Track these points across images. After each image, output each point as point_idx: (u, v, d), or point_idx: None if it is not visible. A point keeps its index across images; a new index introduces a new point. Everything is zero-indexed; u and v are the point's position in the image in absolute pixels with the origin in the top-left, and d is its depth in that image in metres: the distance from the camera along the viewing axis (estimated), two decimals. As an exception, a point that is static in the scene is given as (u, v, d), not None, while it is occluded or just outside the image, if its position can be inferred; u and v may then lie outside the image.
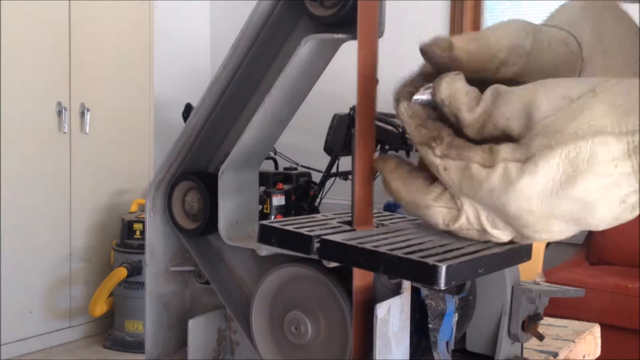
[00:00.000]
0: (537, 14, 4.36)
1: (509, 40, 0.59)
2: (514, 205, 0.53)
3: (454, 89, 0.56)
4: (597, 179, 0.49)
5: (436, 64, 0.59)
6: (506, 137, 0.54)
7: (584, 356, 1.14)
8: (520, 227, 0.55)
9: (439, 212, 0.58)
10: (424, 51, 0.59)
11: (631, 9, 0.69)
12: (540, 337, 0.89)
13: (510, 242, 0.61)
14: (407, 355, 0.70)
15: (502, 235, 0.58)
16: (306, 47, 0.74)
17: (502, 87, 0.55)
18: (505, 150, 0.53)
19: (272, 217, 3.96)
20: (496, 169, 0.53)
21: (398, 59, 4.42)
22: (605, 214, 0.51)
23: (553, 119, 0.51)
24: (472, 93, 0.56)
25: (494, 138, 0.55)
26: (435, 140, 0.56)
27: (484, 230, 0.58)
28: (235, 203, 0.86)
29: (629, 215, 0.52)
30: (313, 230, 0.67)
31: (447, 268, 0.57)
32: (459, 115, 0.56)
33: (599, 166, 0.49)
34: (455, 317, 0.77)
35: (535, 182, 0.52)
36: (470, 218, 0.57)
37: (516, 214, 0.54)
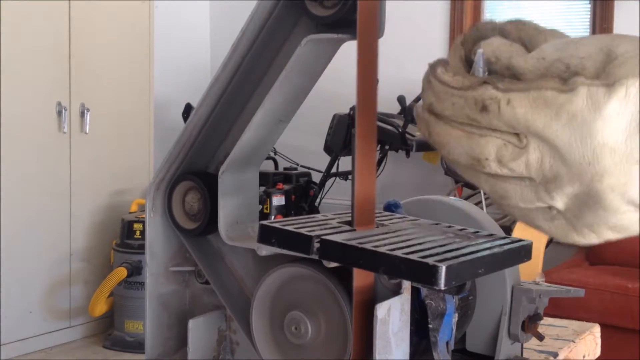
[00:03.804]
0: (537, 14, 4.37)
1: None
2: (599, 135, 0.46)
3: (495, 44, 0.53)
4: None
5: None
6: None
7: (584, 356, 1.14)
8: (594, 177, 0.48)
9: (493, 142, 0.50)
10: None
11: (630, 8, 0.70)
12: (540, 337, 0.89)
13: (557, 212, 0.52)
14: (407, 355, 0.70)
15: (559, 195, 0.50)
16: (306, 47, 0.74)
17: (571, 37, 0.51)
18: (583, 78, 0.47)
19: (272, 217, 3.96)
20: (578, 92, 0.47)
21: (398, 59, 4.43)
22: None
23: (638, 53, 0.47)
24: (516, 45, 0.53)
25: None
26: (495, 78, 0.51)
27: (543, 182, 0.50)
28: (235, 203, 0.86)
29: None
30: (313, 231, 0.67)
31: (447, 268, 0.57)
32: (513, 63, 0.51)
33: None
34: (455, 317, 0.77)
35: (626, 109, 0.46)
36: (530, 160, 0.50)
37: (596, 152, 0.47)
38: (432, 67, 0.54)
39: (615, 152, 0.47)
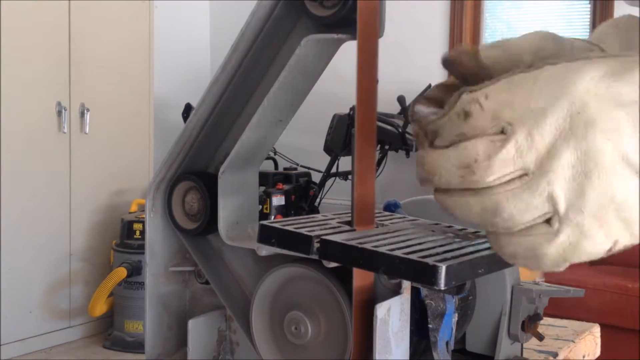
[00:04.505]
0: (537, 14, 4.36)
1: (530, 44, 0.58)
2: (579, 82, 0.47)
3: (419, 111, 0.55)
4: None
5: (463, 73, 0.56)
6: None
7: (583, 356, 1.14)
8: (586, 123, 0.47)
9: (480, 142, 0.50)
10: (452, 61, 0.55)
11: (631, 10, 0.71)
12: (540, 337, 0.89)
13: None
14: (407, 355, 0.70)
15: (556, 172, 0.48)
16: (306, 47, 0.74)
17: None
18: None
19: (272, 217, 3.96)
20: (545, 67, 0.49)
21: (398, 59, 4.43)
22: None
23: None
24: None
25: None
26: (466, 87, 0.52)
27: (537, 164, 0.49)
28: (235, 203, 0.86)
29: None
30: (313, 231, 0.67)
31: (447, 268, 0.57)
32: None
33: None
34: (455, 317, 0.77)
35: (598, 66, 0.47)
36: (519, 140, 0.48)
37: (582, 99, 0.47)
38: (415, 117, 0.55)
39: (599, 97, 0.47)
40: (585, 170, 0.48)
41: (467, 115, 0.50)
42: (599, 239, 0.49)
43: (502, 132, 0.49)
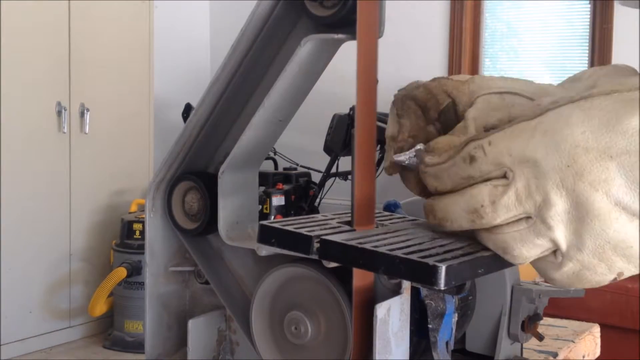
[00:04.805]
0: (537, 14, 4.36)
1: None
2: (569, 137, 0.51)
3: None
4: None
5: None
6: None
7: (583, 356, 1.14)
8: (575, 177, 0.51)
9: (484, 188, 0.55)
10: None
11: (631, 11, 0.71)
12: (540, 337, 0.89)
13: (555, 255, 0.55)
14: (407, 355, 0.70)
15: (554, 220, 0.53)
16: (306, 47, 0.74)
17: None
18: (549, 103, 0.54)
19: (272, 217, 3.96)
20: (546, 114, 0.53)
21: (398, 59, 4.42)
22: None
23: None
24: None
25: None
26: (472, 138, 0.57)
27: (537, 211, 0.53)
28: (235, 203, 0.86)
29: None
30: (313, 231, 0.67)
31: (447, 268, 0.57)
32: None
33: None
34: (455, 317, 0.77)
35: (590, 115, 0.51)
36: (519, 189, 0.53)
37: (571, 154, 0.51)
38: (420, 159, 0.62)
39: (588, 151, 0.51)
40: (579, 216, 0.52)
41: (472, 159, 0.56)
42: (601, 271, 0.54)
43: (505, 176, 0.54)
